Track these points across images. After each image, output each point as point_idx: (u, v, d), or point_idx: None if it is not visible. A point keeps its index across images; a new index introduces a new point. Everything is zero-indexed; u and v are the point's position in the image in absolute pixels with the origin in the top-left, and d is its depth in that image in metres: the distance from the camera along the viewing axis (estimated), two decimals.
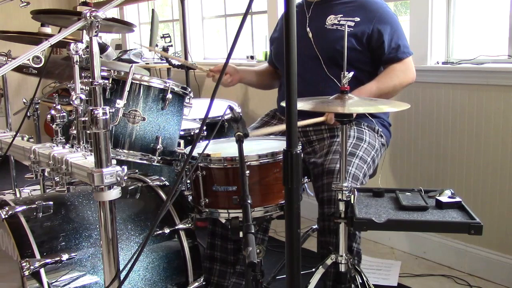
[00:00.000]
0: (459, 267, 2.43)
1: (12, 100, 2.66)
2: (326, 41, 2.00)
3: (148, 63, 4.16)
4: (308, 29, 2.04)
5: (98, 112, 1.11)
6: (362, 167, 1.83)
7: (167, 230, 1.56)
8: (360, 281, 1.57)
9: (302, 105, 1.51)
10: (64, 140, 1.50)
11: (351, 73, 1.50)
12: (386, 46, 1.96)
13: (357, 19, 1.98)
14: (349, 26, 1.96)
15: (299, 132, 2.04)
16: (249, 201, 1.27)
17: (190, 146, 1.77)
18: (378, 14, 1.98)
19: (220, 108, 1.82)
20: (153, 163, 1.71)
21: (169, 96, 1.69)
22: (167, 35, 4.18)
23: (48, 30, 2.09)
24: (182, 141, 1.81)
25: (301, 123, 1.90)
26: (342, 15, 2.01)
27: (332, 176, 1.73)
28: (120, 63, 2.37)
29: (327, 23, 2.02)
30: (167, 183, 1.72)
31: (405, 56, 1.99)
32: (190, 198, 1.65)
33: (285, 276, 1.14)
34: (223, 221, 1.63)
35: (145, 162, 1.70)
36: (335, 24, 2.00)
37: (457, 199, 1.44)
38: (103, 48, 1.81)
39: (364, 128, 2.00)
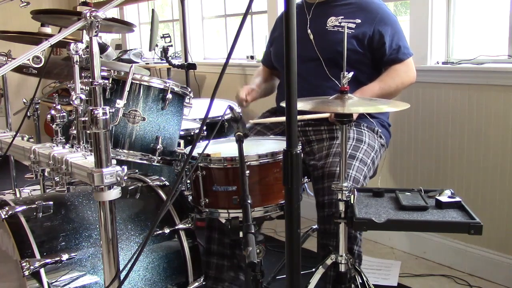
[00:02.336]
0: (459, 267, 2.43)
1: (12, 100, 2.66)
2: (327, 42, 2.01)
3: (148, 63, 4.16)
4: (309, 31, 2.05)
5: (98, 112, 1.11)
6: (362, 170, 1.83)
7: (167, 230, 1.56)
8: (360, 281, 1.57)
9: (302, 105, 1.51)
10: (64, 140, 1.50)
11: (351, 73, 1.50)
12: (387, 47, 1.97)
13: (358, 20, 1.98)
14: (350, 28, 1.97)
15: (299, 131, 2.04)
16: (249, 201, 1.27)
17: (190, 146, 1.77)
18: (379, 16, 1.99)
19: (220, 108, 1.82)
20: (153, 163, 1.71)
21: (169, 96, 1.69)
22: (167, 35, 4.17)
23: (48, 30, 2.09)
24: (182, 141, 1.81)
25: (305, 116, 1.90)
26: (343, 17, 2.01)
27: (333, 179, 1.73)
28: (120, 63, 2.37)
29: (328, 25, 2.03)
30: (167, 183, 1.72)
31: (406, 57, 2.00)
32: (190, 198, 1.65)
33: (285, 276, 1.14)
34: (223, 221, 1.63)
35: (145, 162, 1.70)
36: (336, 26, 2.01)
37: (457, 199, 1.44)
38: (103, 48, 1.81)
39: (364, 129, 2.00)
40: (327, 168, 1.78)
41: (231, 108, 1.49)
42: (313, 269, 1.58)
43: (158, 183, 1.70)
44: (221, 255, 1.94)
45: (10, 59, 1.86)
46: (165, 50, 3.30)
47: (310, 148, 2.03)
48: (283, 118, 1.95)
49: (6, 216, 1.38)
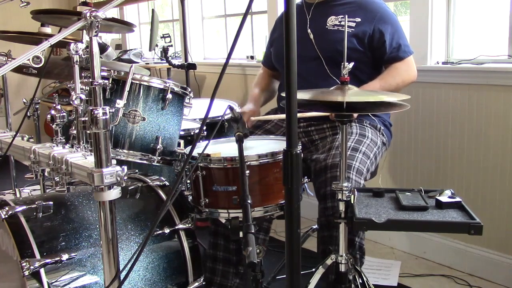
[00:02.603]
0: (459, 267, 2.43)
1: (12, 100, 2.66)
2: (328, 42, 2.01)
3: (148, 63, 4.15)
4: (309, 30, 2.05)
5: (98, 112, 1.11)
6: (365, 162, 1.83)
7: (167, 230, 1.56)
8: (360, 281, 1.57)
9: (302, 95, 1.49)
10: (64, 140, 1.50)
11: (351, 64, 1.49)
12: (388, 45, 1.97)
13: (358, 19, 1.99)
14: (350, 27, 1.97)
15: (301, 132, 2.05)
16: (249, 201, 1.27)
17: (190, 146, 1.77)
18: (378, 14, 1.99)
19: (220, 108, 1.82)
20: (153, 163, 1.70)
21: (169, 96, 1.69)
22: (167, 35, 4.17)
23: (48, 30, 2.09)
24: (182, 141, 1.81)
25: (305, 114, 1.90)
26: (343, 16, 2.01)
27: (336, 170, 1.73)
28: (120, 63, 2.37)
29: (328, 24, 2.03)
30: (167, 183, 1.72)
31: (407, 55, 2.01)
32: (190, 198, 1.65)
33: (285, 276, 1.14)
34: (223, 221, 1.63)
35: (145, 162, 1.70)
36: (336, 25, 2.01)
37: (457, 199, 1.44)
38: (103, 48, 1.81)
39: (366, 126, 2.01)
40: (329, 160, 1.78)
41: (231, 108, 1.49)
42: (313, 269, 1.58)
43: (158, 183, 1.70)
44: (227, 262, 1.93)
45: (10, 59, 1.86)
46: (165, 50, 3.30)
47: (314, 146, 2.03)
48: (283, 116, 1.96)
49: (6, 216, 1.38)
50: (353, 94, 1.48)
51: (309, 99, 1.49)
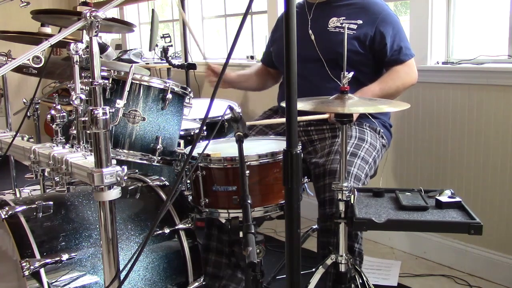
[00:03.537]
0: (459, 267, 2.43)
1: (12, 100, 2.66)
2: (329, 43, 2.00)
3: (148, 63, 4.15)
4: (310, 31, 2.05)
5: (98, 112, 1.11)
6: (364, 168, 1.83)
7: (167, 230, 1.56)
8: (360, 281, 1.57)
9: (303, 105, 1.51)
10: (64, 140, 1.50)
11: (351, 73, 1.50)
12: (389, 48, 1.97)
13: (360, 21, 1.98)
14: (351, 29, 1.97)
15: (301, 131, 2.05)
16: (249, 201, 1.27)
17: (190, 146, 1.77)
18: (380, 16, 1.98)
19: (220, 108, 1.82)
20: (153, 163, 1.70)
21: (169, 96, 1.69)
22: (167, 35, 4.17)
23: (48, 30, 2.09)
24: (182, 141, 1.81)
25: (304, 118, 1.91)
26: (344, 18, 2.01)
27: (334, 176, 1.73)
28: (120, 63, 2.37)
29: (329, 26, 2.03)
30: (167, 183, 1.72)
31: (408, 58, 2.00)
32: (190, 198, 1.65)
33: (285, 276, 1.15)
34: (223, 221, 1.63)
35: (145, 162, 1.70)
36: (338, 27, 2.01)
37: (457, 199, 1.44)
38: (103, 48, 1.81)
39: (366, 129, 2.00)
40: (328, 166, 1.78)
41: (231, 108, 1.49)
42: (313, 269, 1.58)
43: (158, 183, 1.70)
44: (220, 252, 1.94)
45: (10, 59, 1.86)
46: (165, 50, 3.30)
47: (313, 147, 2.03)
48: (281, 120, 1.97)
49: (6, 216, 1.38)
50: (353, 104, 1.49)
51: (310, 110, 1.50)
